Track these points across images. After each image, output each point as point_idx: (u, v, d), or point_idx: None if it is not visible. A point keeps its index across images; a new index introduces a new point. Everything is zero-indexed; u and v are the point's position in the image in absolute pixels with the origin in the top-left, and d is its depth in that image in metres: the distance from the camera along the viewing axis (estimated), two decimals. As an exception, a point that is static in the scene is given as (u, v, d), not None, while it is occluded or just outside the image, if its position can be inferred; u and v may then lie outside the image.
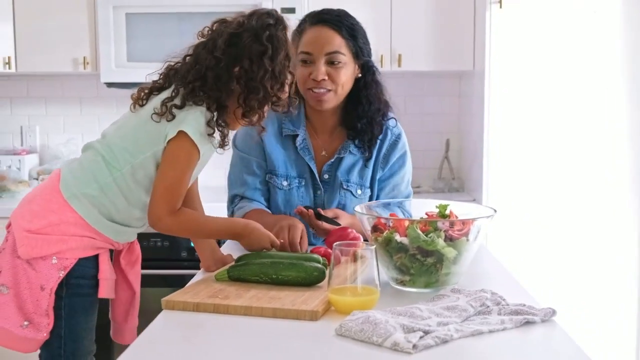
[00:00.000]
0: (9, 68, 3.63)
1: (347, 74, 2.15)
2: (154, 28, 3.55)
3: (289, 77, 1.82)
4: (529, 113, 3.39)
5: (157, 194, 1.73)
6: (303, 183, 2.22)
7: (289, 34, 1.84)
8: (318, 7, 3.41)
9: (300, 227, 1.98)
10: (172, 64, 1.82)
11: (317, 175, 2.22)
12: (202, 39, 1.80)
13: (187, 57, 1.80)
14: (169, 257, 3.30)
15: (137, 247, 1.96)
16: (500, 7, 3.31)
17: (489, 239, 3.41)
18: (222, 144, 1.80)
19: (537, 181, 3.41)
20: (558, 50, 3.36)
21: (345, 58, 2.13)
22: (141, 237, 3.17)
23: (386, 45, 3.59)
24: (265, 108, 1.81)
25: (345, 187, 2.22)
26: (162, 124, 1.73)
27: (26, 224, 1.75)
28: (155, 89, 1.82)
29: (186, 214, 1.77)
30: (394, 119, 2.31)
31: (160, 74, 1.83)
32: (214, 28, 1.80)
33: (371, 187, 2.27)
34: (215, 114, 1.76)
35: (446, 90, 4.02)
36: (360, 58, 2.17)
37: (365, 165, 2.24)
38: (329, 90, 2.13)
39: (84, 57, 3.62)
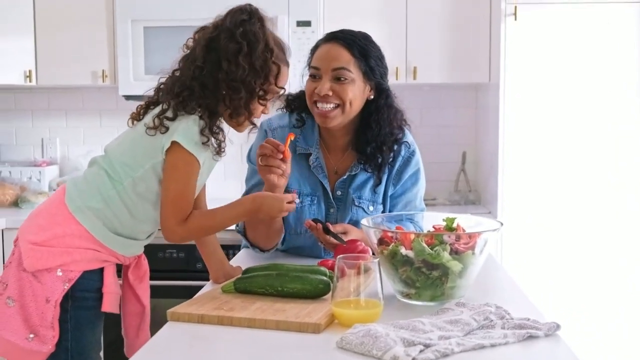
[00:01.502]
0: (30, 81, 3.69)
1: (355, 91, 2.11)
2: (172, 41, 3.52)
3: (274, 68, 1.80)
4: (545, 125, 3.38)
5: (164, 208, 1.76)
6: (315, 201, 2.21)
7: (269, 25, 1.83)
8: (334, 20, 3.53)
9: (266, 147, 1.94)
10: (164, 79, 1.83)
11: (330, 193, 2.21)
12: (187, 51, 1.81)
13: (175, 71, 1.81)
14: (184, 269, 3.32)
15: (145, 262, 1.98)
16: (515, 19, 3.31)
17: (504, 251, 3.40)
18: (218, 151, 1.80)
19: (554, 194, 3.39)
20: (573, 62, 3.35)
21: (353, 75, 2.10)
22: (157, 248, 3.26)
23: (401, 57, 3.60)
24: (262, 103, 1.81)
25: (357, 204, 2.21)
26: (158, 137, 1.75)
27: (32, 237, 1.77)
28: (150, 104, 1.84)
29: (195, 217, 1.78)
30: (408, 136, 2.28)
31: (155, 90, 1.85)
32: (196, 37, 1.81)
33: (383, 203, 2.26)
34: (208, 121, 1.75)
35: (462, 102, 4.02)
36: (371, 79, 2.14)
37: (377, 182, 2.23)
38: (337, 107, 2.10)
39: (103, 70, 3.67)
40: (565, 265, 3.39)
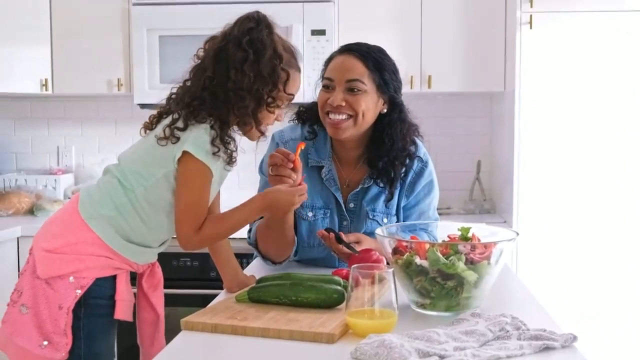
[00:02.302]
0: (46, 90, 3.71)
1: (368, 103, 2.09)
2: (187, 50, 3.52)
3: (283, 74, 1.79)
4: (560, 134, 3.36)
5: (179, 218, 1.76)
6: (328, 214, 2.20)
7: (279, 31, 1.82)
8: (348, 29, 3.54)
9: (276, 157, 1.93)
10: (175, 89, 1.84)
11: (343, 206, 2.20)
12: (198, 61, 1.82)
13: (186, 81, 1.81)
14: (199, 277, 3.32)
15: (159, 270, 1.98)
16: (531, 28, 3.30)
17: (519, 260, 3.37)
18: (230, 161, 1.80)
19: (569, 203, 3.37)
20: (589, 71, 3.33)
21: (366, 87, 2.08)
22: (171, 257, 3.26)
23: (416, 66, 3.59)
24: (271, 110, 1.81)
25: (371, 217, 2.19)
26: (169, 146, 1.75)
27: (45, 244, 1.78)
28: (162, 113, 1.85)
29: (208, 223, 1.77)
30: (421, 147, 2.26)
31: (166, 99, 1.85)
32: (206, 47, 1.81)
33: (397, 214, 2.24)
34: (219, 131, 1.75)
35: (477, 111, 4.01)
36: (385, 92, 2.12)
37: (389, 198, 2.21)
38: (349, 117, 2.08)
39: (118, 79, 3.69)
40: (582, 274, 3.36)
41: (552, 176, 3.38)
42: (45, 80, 3.71)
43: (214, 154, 1.74)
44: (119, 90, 3.70)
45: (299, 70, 1.87)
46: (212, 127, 1.75)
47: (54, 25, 3.72)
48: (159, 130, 1.79)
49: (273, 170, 1.94)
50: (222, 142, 1.75)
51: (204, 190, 1.76)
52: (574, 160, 3.36)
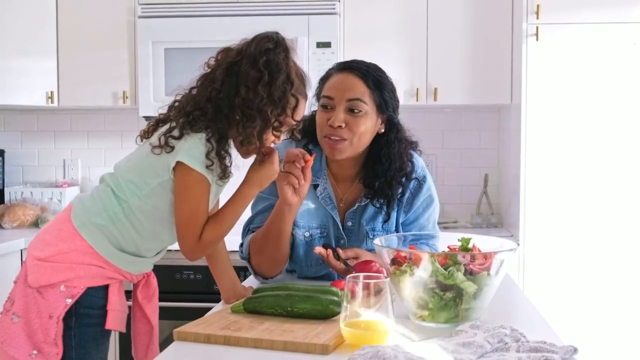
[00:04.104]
0: (52, 102, 3.72)
1: (367, 125, 2.04)
2: (192, 63, 3.52)
3: (292, 100, 1.78)
4: (568, 147, 3.32)
5: (180, 230, 1.75)
6: (325, 233, 2.15)
7: (294, 57, 1.81)
8: (354, 42, 3.53)
9: (294, 152, 1.95)
10: (180, 96, 1.81)
11: (340, 224, 2.16)
12: (207, 70, 1.79)
13: (193, 89, 1.79)
14: (202, 290, 3.29)
15: (154, 280, 1.95)
16: (537, 39, 3.27)
17: (526, 274, 3.33)
18: (223, 176, 1.77)
19: (577, 216, 3.32)
20: (595, 83, 3.29)
21: (367, 107, 2.03)
22: (173, 270, 3.24)
23: (422, 78, 3.57)
24: (276, 134, 1.79)
25: (371, 236, 2.14)
26: (163, 155, 1.73)
27: (37, 253, 1.77)
28: (160, 121, 1.82)
29: (207, 229, 1.75)
30: (419, 160, 2.22)
31: (169, 106, 1.83)
32: (218, 58, 1.79)
33: (396, 231, 2.19)
34: (215, 145, 1.72)
35: (485, 124, 3.98)
36: (384, 112, 2.08)
37: (386, 219, 2.17)
38: (345, 140, 2.04)
39: (124, 92, 3.69)
40: (589, 288, 3.31)
41: (560, 189, 3.33)
42: (51, 93, 3.72)
43: (207, 167, 1.71)
44: (124, 102, 3.70)
45: (306, 97, 1.86)
46: (208, 140, 1.71)
47: (61, 37, 3.73)
48: (154, 138, 1.77)
49: (285, 167, 1.92)
50: (217, 156, 1.72)
51: (202, 200, 1.74)
52: (581, 174, 3.32)
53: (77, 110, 4.07)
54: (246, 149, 1.81)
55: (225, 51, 1.79)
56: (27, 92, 3.68)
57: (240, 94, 1.72)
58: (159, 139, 1.73)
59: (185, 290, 3.28)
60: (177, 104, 1.81)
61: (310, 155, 1.96)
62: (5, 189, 3.98)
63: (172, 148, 1.72)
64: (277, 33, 1.80)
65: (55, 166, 4.17)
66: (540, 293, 3.26)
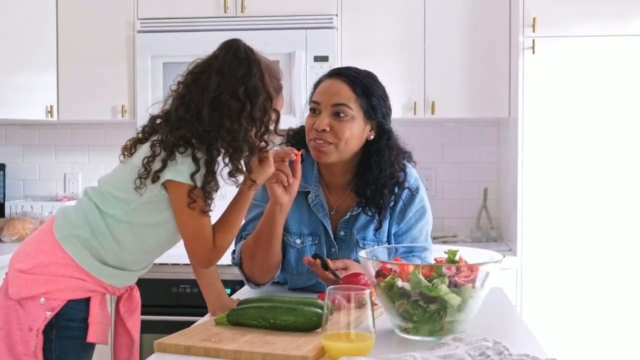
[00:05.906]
0: (51, 116, 3.74)
1: (353, 130, 2.04)
2: (191, 77, 3.62)
3: (273, 115, 1.78)
4: (566, 161, 3.31)
5: (190, 244, 1.77)
6: (316, 241, 2.15)
7: (260, 54, 1.80)
8: (351, 55, 3.53)
9: (281, 150, 1.96)
10: (155, 115, 1.80)
11: (331, 233, 2.15)
12: (179, 92, 1.78)
13: (178, 119, 1.74)
14: (198, 304, 3.27)
15: (137, 294, 1.95)
16: (534, 52, 3.27)
17: (524, 289, 3.31)
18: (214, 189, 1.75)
19: (576, 231, 3.30)
20: (593, 96, 3.29)
21: (353, 113, 2.04)
22: (170, 284, 3.23)
23: (420, 92, 3.57)
24: (262, 157, 1.80)
25: (361, 245, 2.13)
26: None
27: (18, 265, 1.77)
28: (140, 140, 1.80)
29: (218, 235, 1.77)
30: (412, 170, 2.21)
31: (149, 126, 1.80)
32: (188, 82, 1.78)
33: (388, 242, 2.19)
34: (203, 168, 1.71)
35: (484, 138, 3.97)
36: (372, 118, 2.07)
37: (378, 227, 2.16)
38: (330, 143, 2.04)
39: (122, 106, 3.71)
40: (588, 304, 3.29)
41: (558, 203, 3.32)
42: (51, 107, 3.74)
43: (193, 174, 1.70)
44: (122, 116, 3.72)
45: (281, 89, 1.85)
46: (194, 161, 1.70)
47: (61, 52, 3.75)
48: (138, 162, 1.74)
49: (275, 165, 1.92)
50: (203, 180, 1.71)
51: (202, 212, 1.74)
52: (580, 188, 3.30)
53: (78, 125, 4.09)
54: (236, 181, 1.79)
55: (194, 75, 1.79)
56: (28, 107, 3.70)
57: (224, 125, 1.71)
58: (144, 166, 1.71)
59: (181, 304, 3.26)
60: (154, 122, 1.79)
61: (298, 151, 1.97)
62: (6, 202, 4.00)
63: (159, 178, 1.71)
64: (240, 47, 1.79)
65: (56, 180, 4.19)
66: (538, 307, 3.24)
